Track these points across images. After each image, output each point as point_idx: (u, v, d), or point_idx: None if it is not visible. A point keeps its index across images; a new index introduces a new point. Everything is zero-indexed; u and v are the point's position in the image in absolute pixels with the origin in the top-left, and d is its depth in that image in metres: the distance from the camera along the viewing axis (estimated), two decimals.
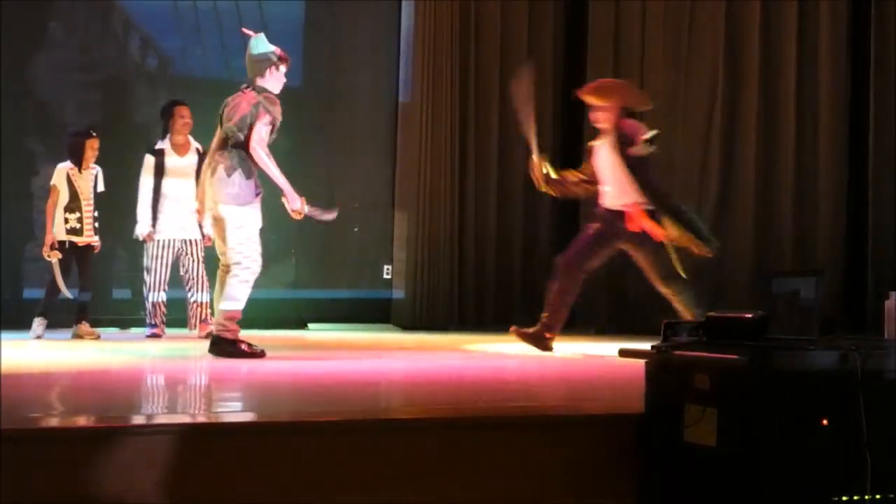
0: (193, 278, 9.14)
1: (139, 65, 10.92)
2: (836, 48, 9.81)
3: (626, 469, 4.15)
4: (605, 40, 11.17)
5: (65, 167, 8.89)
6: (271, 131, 7.22)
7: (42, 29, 10.39)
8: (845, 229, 9.72)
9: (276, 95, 7.28)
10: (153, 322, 9.10)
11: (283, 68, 7.32)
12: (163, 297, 9.11)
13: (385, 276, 11.39)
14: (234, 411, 4.72)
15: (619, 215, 7.80)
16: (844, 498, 3.73)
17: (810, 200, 9.90)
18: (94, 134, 9.01)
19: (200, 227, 8.98)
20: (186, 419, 4.19)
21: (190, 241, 9.17)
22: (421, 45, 11.23)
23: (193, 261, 9.16)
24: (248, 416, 4.37)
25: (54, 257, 8.78)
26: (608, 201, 7.91)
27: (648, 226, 7.67)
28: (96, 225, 8.99)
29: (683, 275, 7.76)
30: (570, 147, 11.51)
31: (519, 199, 11.35)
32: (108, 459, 3.56)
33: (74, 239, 8.86)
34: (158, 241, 9.11)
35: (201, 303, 9.11)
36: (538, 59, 11.43)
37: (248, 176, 7.03)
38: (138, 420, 4.08)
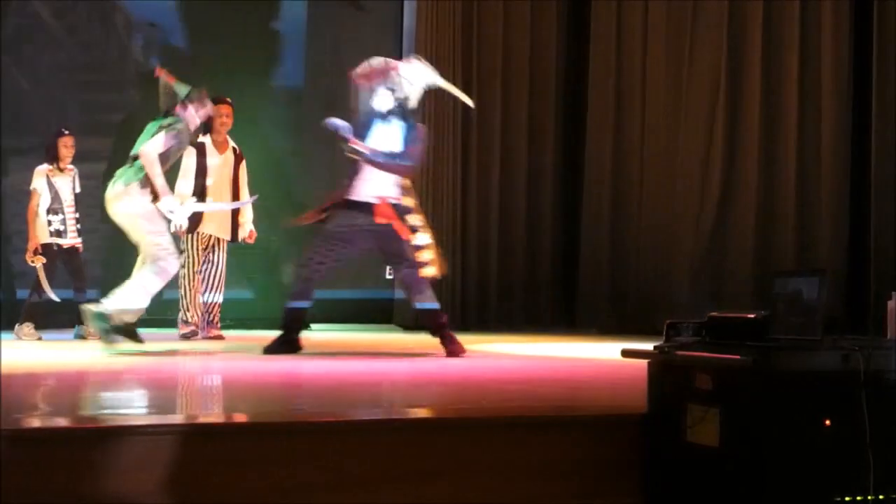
0: (212, 278, 9.02)
1: (142, 65, 10.92)
2: (838, 46, 9.79)
3: (629, 469, 4.14)
4: (608, 39, 11.16)
5: (43, 169, 8.86)
6: (176, 147, 7.39)
7: (45, 28, 10.40)
8: (848, 229, 9.71)
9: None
10: (186, 320, 9.02)
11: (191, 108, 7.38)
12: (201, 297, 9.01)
13: (387, 277, 11.38)
14: (235, 412, 4.71)
15: (366, 208, 7.41)
16: (847, 498, 3.72)
17: (813, 200, 9.88)
18: (67, 132, 8.95)
19: (234, 227, 8.98)
20: (188, 419, 4.18)
21: (220, 239, 9.08)
22: (423, 45, 11.21)
23: (217, 259, 9.04)
24: (250, 417, 4.36)
25: (38, 262, 8.74)
26: (356, 194, 7.46)
27: (396, 222, 7.34)
28: (79, 226, 8.95)
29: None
30: (575, 146, 11.53)
31: (521, 199, 11.35)
32: (109, 460, 3.56)
33: (59, 241, 8.84)
34: (196, 235, 8.94)
35: (213, 304, 9.05)
36: (540, 58, 11.45)
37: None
38: (139, 420, 4.07)
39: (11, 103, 10.20)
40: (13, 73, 10.17)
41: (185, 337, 8.86)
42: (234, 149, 9.16)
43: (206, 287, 9.04)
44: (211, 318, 9.03)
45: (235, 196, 9.03)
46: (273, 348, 7.25)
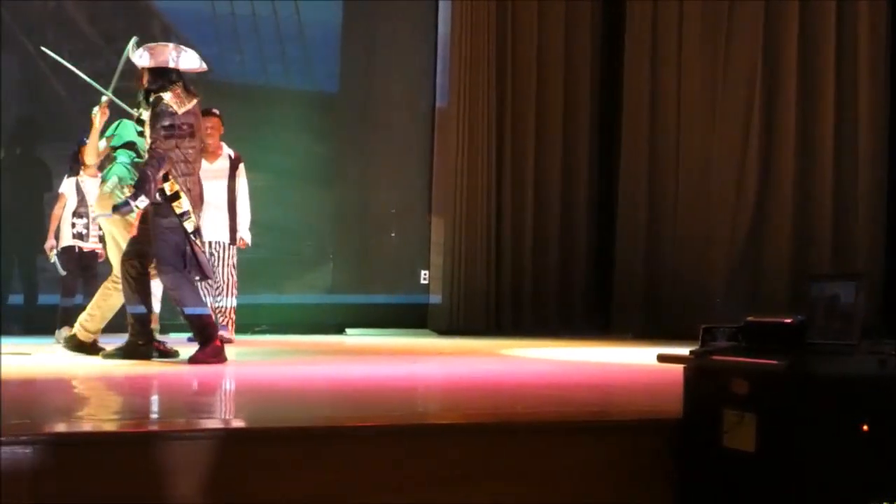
0: (222, 282, 9.04)
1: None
2: (875, 48, 9.74)
3: (664, 474, 4.13)
4: (643, 41, 11.14)
5: (75, 174, 8.95)
6: None
7: (81, 36, 10.47)
8: (885, 231, 9.64)
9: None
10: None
11: None
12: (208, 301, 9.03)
13: (422, 282, 11.41)
14: (272, 417, 4.73)
15: None
16: None
17: (849, 202, 9.83)
18: (88, 141, 8.98)
19: (233, 230, 9.01)
20: (225, 424, 4.21)
21: (219, 243, 9.10)
22: (458, 50, 11.24)
23: (222, 264, 9.08)
24: (286, 422, 4.37)
25: (52, 257, 8.84)
26: None
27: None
28: (101, 233, 8.98)
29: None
30: (610, 148, 11.51)
31: (556, 203, 11.34)
32: (148, 464, 3.58)
33: (80, 244, 8.89)
34: None
35: (228, 308, 9.07)
36: (575, 59, 11.44)
37: None
38: (177, 425, 4.09)
39: (49, 110, 10.29)
40: (51, 81, 10.25)
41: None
42: (229, 155, 9.17)
43: (219, 291, 9.04)
44: (224, 323, 9.03)
45: (232, 202, 9.07)
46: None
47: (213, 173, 9.07)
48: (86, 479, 3.49)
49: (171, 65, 6.90)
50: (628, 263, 11.05)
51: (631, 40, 11.25)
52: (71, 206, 8.92)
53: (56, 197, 9.08)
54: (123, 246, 7.25)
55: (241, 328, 9.43)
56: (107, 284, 7.38)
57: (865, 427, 3.68)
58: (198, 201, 6.91)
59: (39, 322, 9.29)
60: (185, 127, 6.85)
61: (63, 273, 8.89)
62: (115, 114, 7.61)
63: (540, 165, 11.36)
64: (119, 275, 7.28)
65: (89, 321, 7.32)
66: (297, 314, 10.69)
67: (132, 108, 7.27)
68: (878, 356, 3.72)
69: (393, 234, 11.48)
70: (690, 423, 4.14)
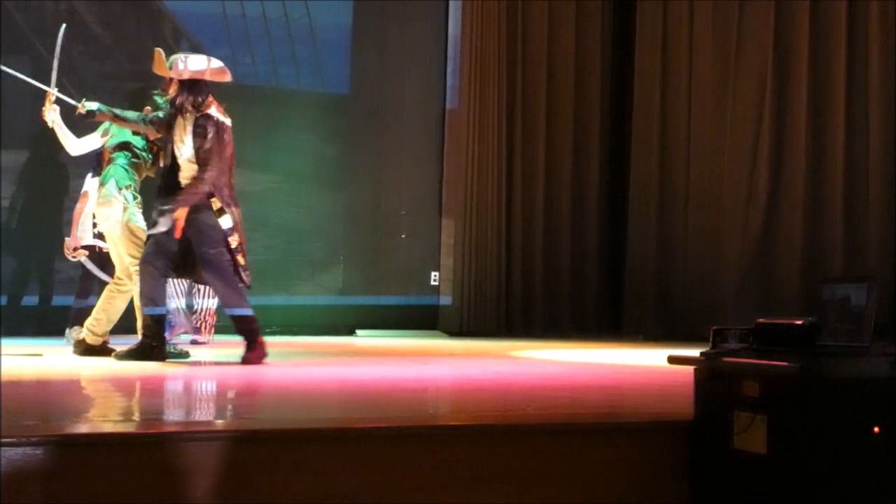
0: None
1: None
2: (886, 48, 9.71)
3: (675, 477, 4.12)
4: (653, 41, 11.13)
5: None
6: None
7: (92, 37, 10.49)
8: None
9: None
10: (197, 327, 9.05)
11: None
12: (182, 303, 8.98)
13: (433, 283, 11.41)
14: (282, 418, 4.73)
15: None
16: None
17: (861, 203, 9.79)
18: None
19: None
20: (234, 425, 4.21)
21: None
22: (468, 52, 11.24)
23: None
24: (296, 423, 4.37)
25: (80, 255, 8.79)
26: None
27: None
28: None
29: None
30: (620, 150, 11.49)
31: (567, 204, 11.33)
32: (158, 465, 3.58)
33: (101, 244, 8.89)
34: None
35: (204, 309, 9.04)
36: (586, 59, 11.43)
37: None
38: (187, 426, 4.10)
39: (62, 111, 10.28)
40: (62, 82, 10.27)
41: (195, 343, 8.88)
42: None
43: (199, 293, 9.02)
44: (203, 324, 8.99)
45: None
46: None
47: None
48: (96, 480, 3.50)
49: (204, 74, 6.86)
50: (639, 265, 11.03)
51: (641, 40, 11.24)
52: (93, 205, 8.91)
53: (78, 196, 9.06)
54: (122, 250, 7.26)
55: None
56: (110, 287, 7.40)
57: (877, 429, 3.66)
58: (231, 202, 6.89)
59: (53, 323, 9.29)
60: (229, 138, 6.87)
61: (96, 271, 8.84)
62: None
63: (550, 166, 11.35)
64: (122, 277, 7.30)
65: (96, 325, 7.34)
66: (307, 315, 10.70)
67: (143, 107, 7.26)
68: (889, 358, 3.70)
69: (403, 236, 11.48)
70: (701, 425, 4.13)
